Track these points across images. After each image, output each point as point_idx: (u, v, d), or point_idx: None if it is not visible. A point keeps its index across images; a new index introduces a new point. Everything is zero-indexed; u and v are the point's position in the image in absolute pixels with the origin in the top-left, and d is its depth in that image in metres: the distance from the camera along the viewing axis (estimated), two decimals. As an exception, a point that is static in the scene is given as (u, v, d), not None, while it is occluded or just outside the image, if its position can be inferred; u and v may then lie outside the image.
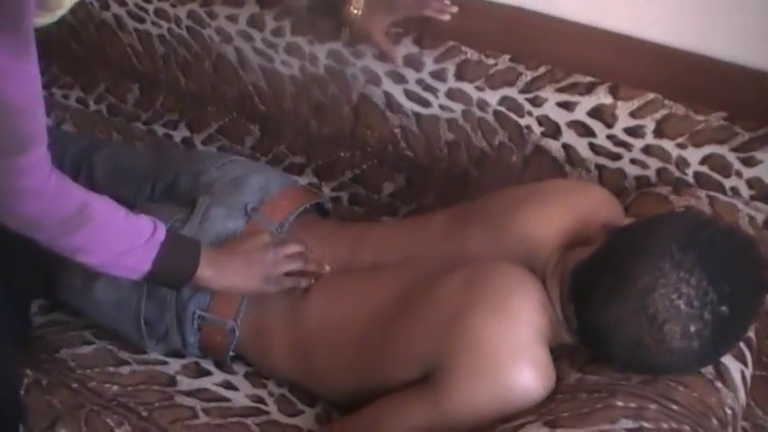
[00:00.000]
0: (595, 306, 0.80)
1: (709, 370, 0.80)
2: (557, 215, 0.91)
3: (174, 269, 0.89)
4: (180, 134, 1.37)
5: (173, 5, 1.32)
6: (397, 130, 1.21)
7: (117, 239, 0.85)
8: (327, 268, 0.96)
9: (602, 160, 1.07)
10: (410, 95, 1.17)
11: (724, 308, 0.75)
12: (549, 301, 0.86)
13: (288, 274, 0.95)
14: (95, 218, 0.82)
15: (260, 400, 0.99)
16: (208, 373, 1.01)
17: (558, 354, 0.85)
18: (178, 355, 1.02)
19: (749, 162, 0.99)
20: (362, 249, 0.99)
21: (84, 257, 0.84)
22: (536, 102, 1.09)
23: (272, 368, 1.00)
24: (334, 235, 1.02)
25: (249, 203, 1.02)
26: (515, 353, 0.80)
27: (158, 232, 0.88)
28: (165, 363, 1.01)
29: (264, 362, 1.00)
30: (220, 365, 1.02)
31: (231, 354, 1.00)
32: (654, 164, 1.04)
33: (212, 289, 0.93)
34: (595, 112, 1.06)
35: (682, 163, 1.02)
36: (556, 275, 0.86)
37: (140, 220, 0.87)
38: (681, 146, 1.02)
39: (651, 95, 1.04)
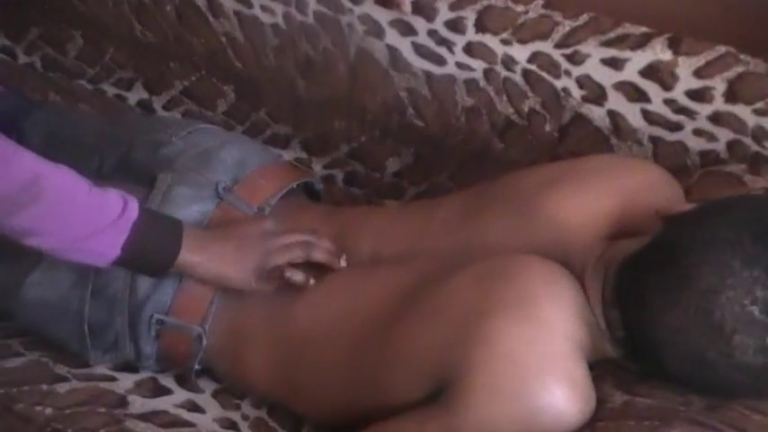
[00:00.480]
0: (646, 311, 0.80)
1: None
2: (599, 198, 0.91)
3: (150, 254, 0.91)
4: (135, 96, 1.36)
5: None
6: (403, 94, 1.21)
7: (77, 219, 0.86)
8: (343, 263, 0.96)
9: (658, 131, 1.07)
10: (420, 51, 1.17)
11: (810, 316, 0.76)
12: (587, 305, 0.86)
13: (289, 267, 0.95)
14: (49, 193, 0.83)
15: (232, 425, 0.99)
16: (167, 392, 1.01)
17: (600, 371, 0.85)
18: (130, 368, 1.02)
19: None
20: (360, 240, 1.00)
21: (35, 241, 0.85)
22: (575, 58, 1.09)
23: (247, 385, 1.00)
24: (325, 222, 1.03)
25: (221, 182, 1.02)
26: (545, 368, 0.80)
27: (130, 210, 0.89)
28: (113, 379, 1.01)
29: (239, 377, 1.00)
30: (183, 382, 1.03)
31: (197, 367, 1.00)
32: (724, 135, 1.03)
33: (199, 278, 0.95)
34: (650, 71, 1.06)
35: (760, 134, 1.01)
36: (597, 273, 0.86)
37: (108, 195, 0.88)
38: (759, 112, 1.01)
39: (722, 49, 1.03)
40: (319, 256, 0.96)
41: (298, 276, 0.95)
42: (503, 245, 0.91)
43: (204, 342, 0.98)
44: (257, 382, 0.98)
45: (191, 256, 0.92)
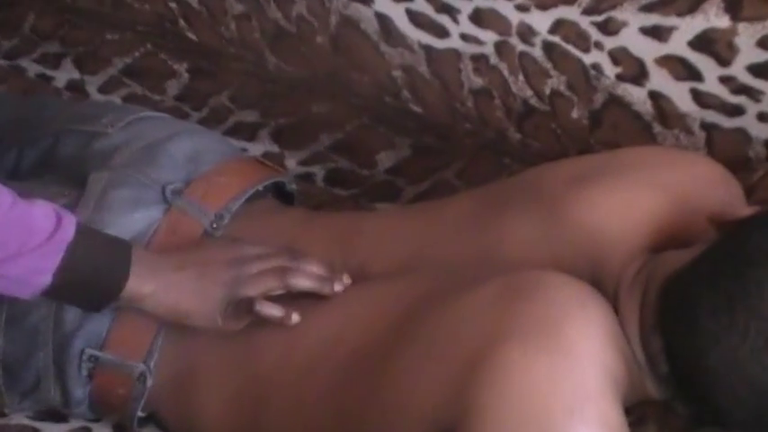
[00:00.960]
0: (696, 340, 0.80)
1: None
2: (639, 200, 0.91)
3: (89, 283, 0.90)
4: (64, 75, 1.36)
5: None
6: (397, 73, 1.21)
7: None
8: (346, 281, 0.96)
9: (713, 116, 1.07)
10: (417, 20, 1.17)
11: None
12: (623, 332, 0.85)
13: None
14: None
15: (184, 483, 1.00)
16: (104, 444, 1.02)
17: (640, 414, 0.85)
18: (56, 417, 1.02)
19: None
20: (346, 252, 1.00)
21: None
22: (609, 27, 1.09)
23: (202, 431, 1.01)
24: (301, 231, 1.03)
25: (170, 184, 1.02)
26: (572, 409, 0.79)
27: (64, 227, 0.88)
28: (34, 430, 1.00)
29: (192, 424, 1.00)
30: (123, 432, 1.03)
31: (140, 414, 1.00)
32: (795, 121, 1.04)
33: (150, 312, 0.95)
34: (702, 42, 1.05)
35: (840, 120, 1.03)
36: (635, 292, 0.86)
37: (34, 209, 0.88)
38: (839, 92, 1.03)
39: (792, 13, 1.04)
40: (302, 283, 0.95)
41: (271, 310, 0.94)
42: (521, 257, 0.92)
43: (148, 383, 0.98)
44: (214, 429, 0.98)
45: (140, 285, 0.92)
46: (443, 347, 0.85)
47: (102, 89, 1.34)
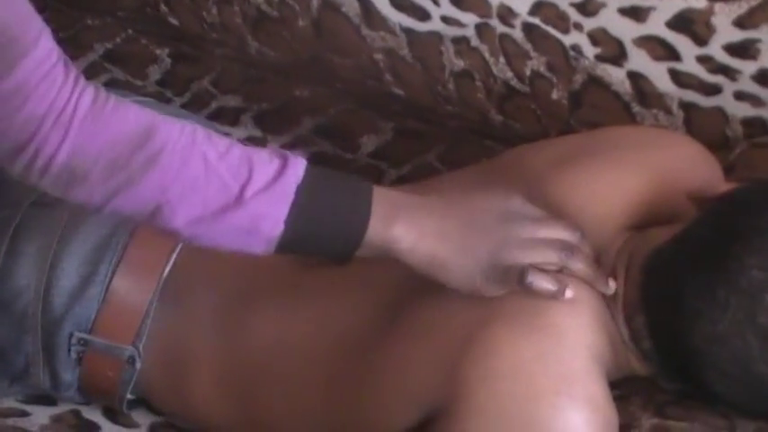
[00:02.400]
0: (678, 316, 0.81)
1: None
2: (620, 179, 0.91)
3: (326, 226, 0.82)
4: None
5: None
6: (378, 57, 1.21)
7: (215, 184, 0.79)
8: (613, 285, 0.85)
9: (692, 95, 1.07)
10: (397, 2, 1.17)
11: None
12: (607, 311, 0.86)
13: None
14: (171, 149, 0.79)
15: (174, 465, 1.00)
16: (93, 428, 1.01)
17: (625, 390, 0.86)
18: (46, 400, 1.02)
19: None
20: None
21: (163, 219, 0.80)
22: (588, 8, 1.09)
23: (192, 417, 1.00)
24: None
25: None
26: (559, 387, 0.80)
27: (292, 167, 0.81)
28: (24, 414, 1.00)
29: (181, 408, 1.00)
30: (113, 415, 1.02)
31: (130, 396, 1.00)
32: (773, 99, 1.05)
33: (403, 258, 0.83)
34: (681, 22, 1.05)
35: (817, 97, 1.04)
36: (618, 270, 0.86)
37: (256, 150, 0.82)
38: (815, 70, 1.03)
39: (769, -8, 1.04)
40: (581, 268, 0.84)
41: (545, 284, 0.82)
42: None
43: (138, 365, 0.98)
44: (204, 414, 0.98)
45: (386, 228, 0.81)
46: (433, 329, 0.85)
47: (84, 74, 1.31)
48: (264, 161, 0.81)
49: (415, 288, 0.89)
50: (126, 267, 0.98)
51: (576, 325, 0.83)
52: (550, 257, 0.83)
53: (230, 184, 0.80)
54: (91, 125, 0.78)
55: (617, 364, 0.85)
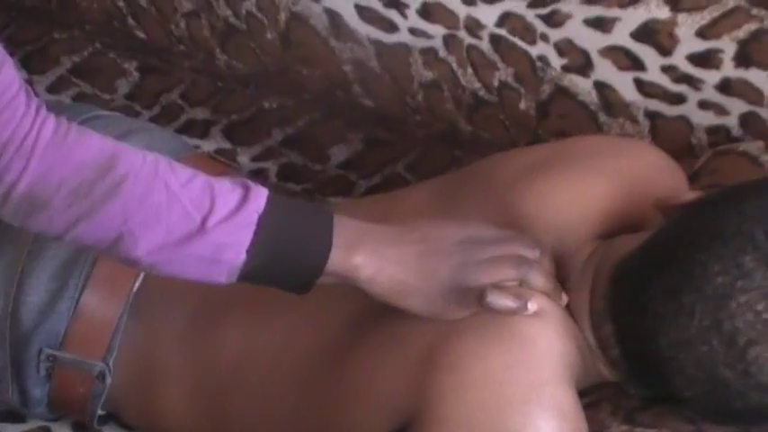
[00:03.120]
0: (644, 322, 0.81)
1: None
2: (588, 188, 0.92)
3: (288, 256, 0.82)
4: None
5: None
6: (347, 68, 1.21)
7: (177, 213, 0.79)
8: (565, 299, 0.86)
9: (656, 105, 1.08)
10: (365, 15, 1.17)
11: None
12: (574, 319, 0.86)
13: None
14: (133, 178, 0.78)
15: (145, 481, 1.00)
16: (64, 444, 1.02)
17: (594, 397, 0.86)
18: (15, 417, 1.01)
19: None
20: None
21: (124, 248, 0.79)
22: (554, 20, 1.10)
23: (163, 430, 1.00)
24: None
25: (125, 181, 1.01)
26: (528, 396, 0.81)
27: (254, 197, 0.81)
28: (-7, 430, 1.02)
29: (152, 420, 1.00)
30: (83, 431, 1.02)
31: (100, 412, 1.00)
32: (736, 107, 1.05)
33: (364, 287, 0.84)
34: (644, 33, 1.06)
35: (780, 105, 1.04)
36: (584, 279, 0.87)
37: (218, 180, 0.82)
38: (778, 78, 1.04)
39: (730, 3, 1.04)
40: (538, 281, 0.85)
41: (505, 302, 0.82)
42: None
43: (108, 380, 0.97)
44: (175, 427, 0.98)
45: (347, 257, 0.82)
46: (401, 339, 0.85)
47: (51, 89, 1.33)
48: (227, 190, 0.81)
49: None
50: (95, 282, 0.97)
51: (544, 334, 0.83)
52: (509, 275, 0.84)
53: (192, 214, 0.80)
54: (53, 154, 0.78)
55: (586, 372, 0.86)
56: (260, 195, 0.82)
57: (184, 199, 0.80)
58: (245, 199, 0.81)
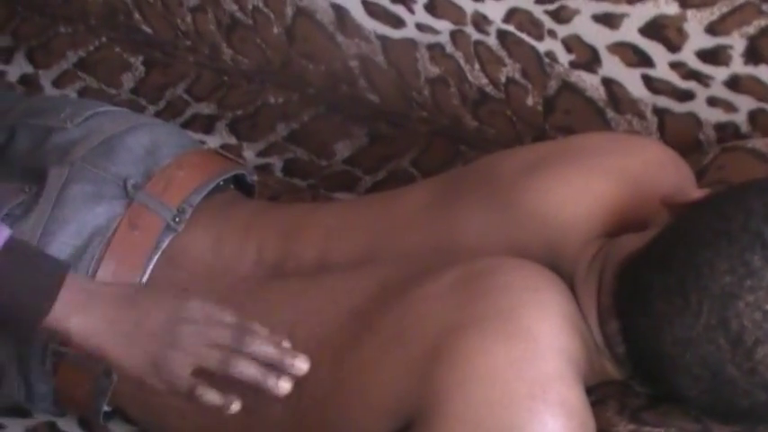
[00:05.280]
0: (650, 320, 0.81)
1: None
2: (593, 186, 0.92)
3: (8, 300, 0.83)
4: (16, 69, 1.35)
5: None
6: (353, 63, 1.21)
7: None
8: (301, 366, 0.84)
9: (664, 101, 1.08)
10: (372, 10, 1.17)
11: None
12: (581, 316, 0.86)
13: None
14: None
15: (150, 476, 1.00)
16: (69, 440, 1.01)
17: (601, 394, 0.86)
18: (20, 412, 1.01)
19: None
20: (303, 242, 1.00)
21: None
22: (561, 15, 1.10)
23: (167, 426, 1.00)
24: (260, 222, 1.03)
25: (130, 177, 1.02)
26: (534, 393, 0.80)
27: None
28: (-1, 425, 1.00)
29: (156, 418, 1.00)
30: (89, 427, 1.02)
31: (106, 408, 0.99)
32: (745, 104, 1.05)
33: (75, 346, 0.87)
34: (653, 29, 1.07)
35: (790, 102, 1.04)
36: (591, 276, 0.87)
37: None
38: (787, 75, 1.04)
39: (740, -1, 1.05)
40: (246, 372, 0.84)
41: (210, 397, 0.84)
42: (479, 245, 0.92)
43: (114, 377, 0.97)
44: (178, 422, 0.98)
45: (66, 317, 0.84)
46: (403, 337, 0.85)
47: (57, 83, 1.33)
48: None
49: (386, 297, 0.89)
50: (101, 279, 0.97)
51: (549, 329, 0.83)
52: (209, 363, 0.84)
53: None
54: None
55: (592, 369, 0.86)
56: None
57: None
58: None
